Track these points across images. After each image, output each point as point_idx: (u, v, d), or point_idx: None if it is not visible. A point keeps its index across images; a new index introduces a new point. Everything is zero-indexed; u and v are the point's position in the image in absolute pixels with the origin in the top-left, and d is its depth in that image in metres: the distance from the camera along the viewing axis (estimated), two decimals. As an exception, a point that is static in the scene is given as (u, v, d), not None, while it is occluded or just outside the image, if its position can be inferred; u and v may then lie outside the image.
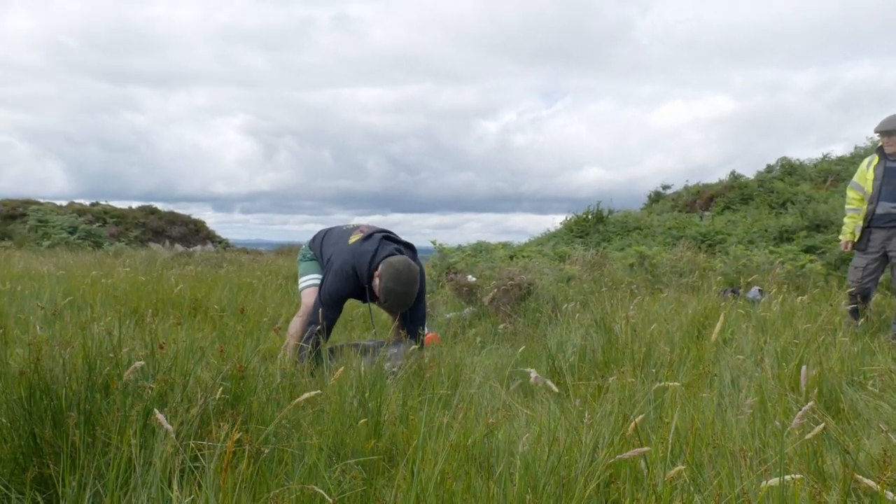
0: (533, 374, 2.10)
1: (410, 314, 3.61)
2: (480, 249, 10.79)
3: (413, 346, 3.23)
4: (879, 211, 5.06)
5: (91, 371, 1.97)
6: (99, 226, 18.01)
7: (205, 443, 1.81)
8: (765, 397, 2.63)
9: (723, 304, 5.07)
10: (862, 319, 4.95)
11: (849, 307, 5.09)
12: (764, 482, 1.40)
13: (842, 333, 3.89)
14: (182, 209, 28.87)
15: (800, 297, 5.01)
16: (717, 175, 24.39)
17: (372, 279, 3.45)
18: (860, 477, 1.40)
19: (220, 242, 22.10)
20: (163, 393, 1.98)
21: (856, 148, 16.56)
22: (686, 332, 4.02)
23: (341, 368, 2.37)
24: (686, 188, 17.32)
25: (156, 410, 1.65)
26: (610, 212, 14.72)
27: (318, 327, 3.32)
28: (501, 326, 5.03)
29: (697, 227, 12.38)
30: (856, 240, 5.23)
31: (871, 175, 5.15)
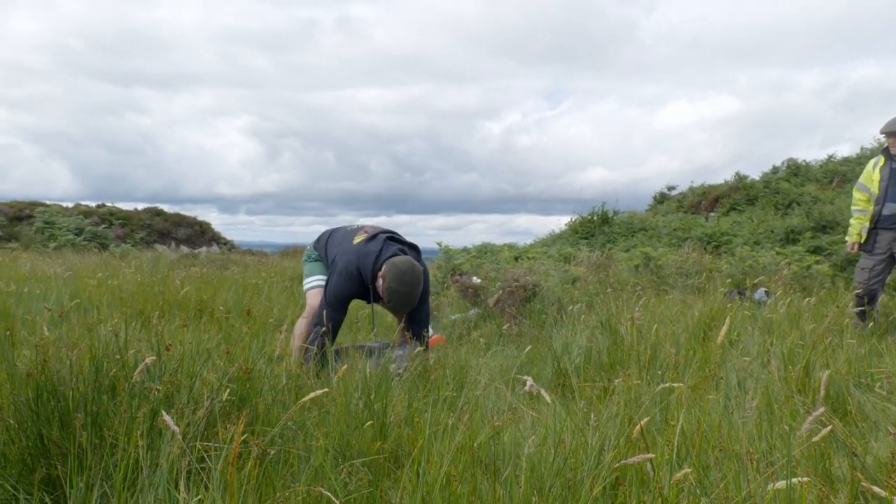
0: (528, 381, 2.10)
1: (414, 315, 3.61)
2: (485, 251, 10.79)
3: (418, 348, 3.23)
4: (886, 212, 5.04)
5: (98, 373, 1.97)
6: (105, 227, 18.10)
7: (211, 444, 1.81)
8: (771, 399, 2.62)
9: (729, 305, 5.05)
10: (872, 323, 4.93)
11: (855, 309, 5.07)
12: (771, 485, 1.40)
13: (849, 335, 3.87)
14: (187, 211, 28.97)
15: (806, 299, 4.99)
16: (722, 176, 24.36)
17: (376, 279, 3.46)
18: (868, 484, 1.39)
19: (225, 244, 22.15)
20: (169, 394, 1.98)
21: (862, 149, 16.49)
22: (692, 334, 4.01)
23: (344, 366, 2.37)
24: (691, 189, 17.28)
25: (162, 412, 1.66)
26: (615, 213, 14.69)
27: (324, 329, 3.32)
28: (506, 328, 5.03)
29: (703, 228, 12.35)
30: (862, 241, 5.21)
31: (876, 176, 5.13)
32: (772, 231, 11.01)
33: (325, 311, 3.39)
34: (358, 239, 3.57)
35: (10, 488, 1.78)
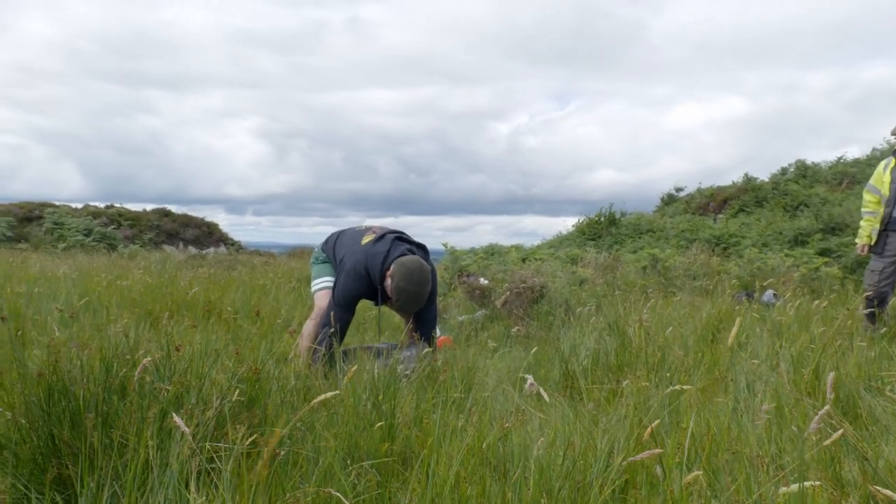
0: (529, 380, 2.10)
1: (422, 316, 3.61)
2: (493, 252, 10.79)
3: (426, 349, 3.23)
4: (896, 214, 5.01)
5: (108, 373, 1.98)
6: (113, 228, 18.20)
7: (221, 444, 1.82)
8: (781, 402, 2.60)
9: (737, 307, 5.03)
10: (881, 326, 4.89)
11: (866, 311, 5.03)
12: (782, 488, 1.39)
13: (859, 338, 3.85)
14: (195, 211, 29.05)
15: (815, 301, 4.96)
16: (730, 177, 24.22)
17: (384, 279, 3.46)
18: (879, 488, 1.38)
19: (232, 245, 22.24)
20: (179, 395, 1.99)
21: (872, 150, 16.39)
22: (700, 336, 3.99)
23: (354, 367, 2.37)
24: (699, 190, 17.22)
25: (172, 412, 1.67)
26: (622, 214, 14.66)
27: (332, 329, 3.33)
28: (514, 329, 5.03)
29: (711, 229, 12.30)
30: (872, 243, 5.17)
31: (887, 178, 5.09)
32: (780, 233, 10.96)
33: (333, 312, 3.40)
34: (366, 239, 3.58)
35: (21, 488, 1.80)
